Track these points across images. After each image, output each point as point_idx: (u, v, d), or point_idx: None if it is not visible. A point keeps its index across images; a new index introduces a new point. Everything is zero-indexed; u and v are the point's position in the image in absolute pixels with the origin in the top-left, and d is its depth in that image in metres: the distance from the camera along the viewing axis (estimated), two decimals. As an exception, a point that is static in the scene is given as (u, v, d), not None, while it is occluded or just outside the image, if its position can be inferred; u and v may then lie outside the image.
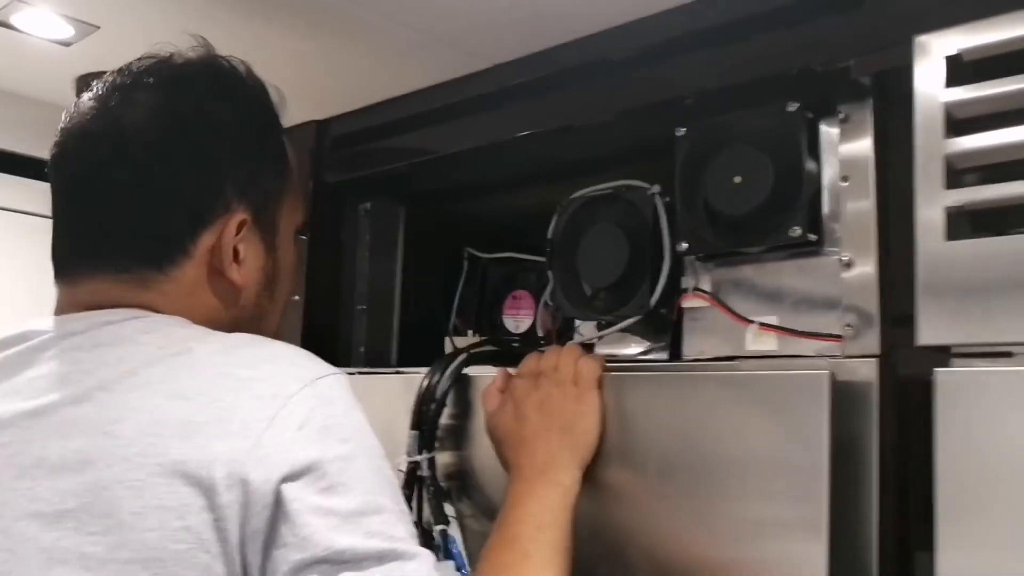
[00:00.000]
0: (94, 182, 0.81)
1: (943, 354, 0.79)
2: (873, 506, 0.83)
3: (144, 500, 0.67)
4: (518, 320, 1.36)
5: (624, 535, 0.95)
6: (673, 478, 0.92)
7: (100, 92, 0.84)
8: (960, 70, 0.79)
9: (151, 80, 0.84)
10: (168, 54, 0.86)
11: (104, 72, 0.87)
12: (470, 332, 1.38)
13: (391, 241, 1.49)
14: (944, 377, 0.75)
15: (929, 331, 0.77)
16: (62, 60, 1.28)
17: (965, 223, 0.78)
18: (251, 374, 0.73)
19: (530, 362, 1.05)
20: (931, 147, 0.79)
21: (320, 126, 1.43)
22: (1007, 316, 0.74)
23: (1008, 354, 0.77)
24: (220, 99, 0.86)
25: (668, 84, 1.05)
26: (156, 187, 0.80)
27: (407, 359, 1.43)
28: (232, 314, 0.86)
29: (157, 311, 0.80)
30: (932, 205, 0.78)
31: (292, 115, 1.31)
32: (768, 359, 0.95)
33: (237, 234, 0.84)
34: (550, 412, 0.99)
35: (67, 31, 1.23)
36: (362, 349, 1.44)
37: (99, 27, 1.20)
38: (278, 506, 0.67)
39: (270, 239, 0.88)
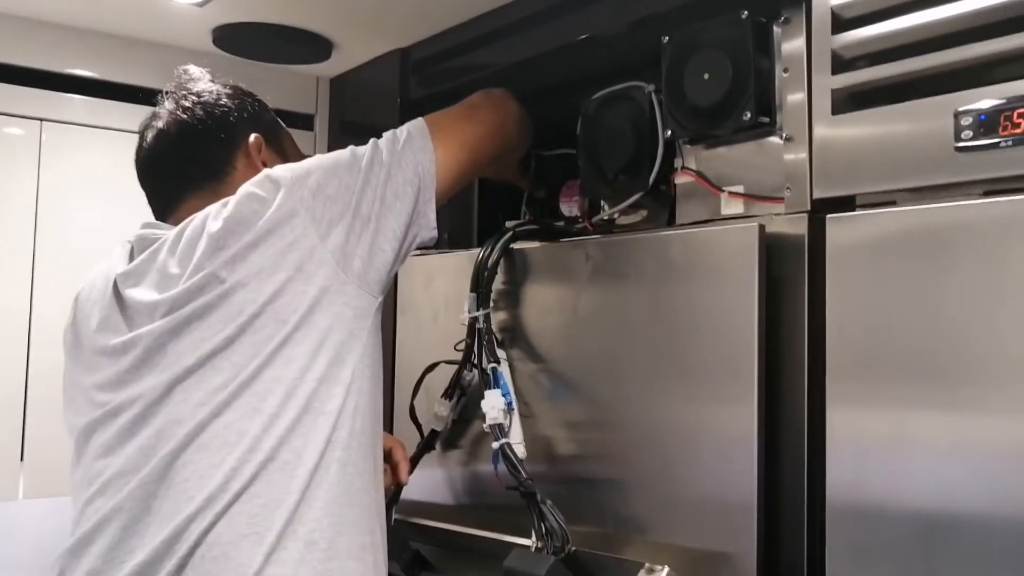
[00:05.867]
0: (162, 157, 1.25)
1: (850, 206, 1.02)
2: (803, 345, 1.06)
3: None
4: (570, 205, 1.62)
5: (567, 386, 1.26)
6: (610, 332, 1.20)
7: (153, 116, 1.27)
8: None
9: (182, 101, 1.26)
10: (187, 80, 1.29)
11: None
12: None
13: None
14: (834, 221, 0.98)
15: (822, 187, 1.00)
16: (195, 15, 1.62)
17: (849, 101, 0.99)
18: None
19: None
20: (821, 42, 1.01)
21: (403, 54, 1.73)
22: (882, 171, 0.96)
23: (892, 202, 0.99)
24: (227, 97, 1.28)
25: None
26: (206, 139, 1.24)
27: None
28: None
29: None
30: (822, 87, 1.00)
31: (373, 48, 1.59)
32: (735, 219, 1.19)
33: (260, 152, 1.26)
34: None
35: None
36: (447, 235, 1.74)
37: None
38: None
39: (282, 158, 1.29)
